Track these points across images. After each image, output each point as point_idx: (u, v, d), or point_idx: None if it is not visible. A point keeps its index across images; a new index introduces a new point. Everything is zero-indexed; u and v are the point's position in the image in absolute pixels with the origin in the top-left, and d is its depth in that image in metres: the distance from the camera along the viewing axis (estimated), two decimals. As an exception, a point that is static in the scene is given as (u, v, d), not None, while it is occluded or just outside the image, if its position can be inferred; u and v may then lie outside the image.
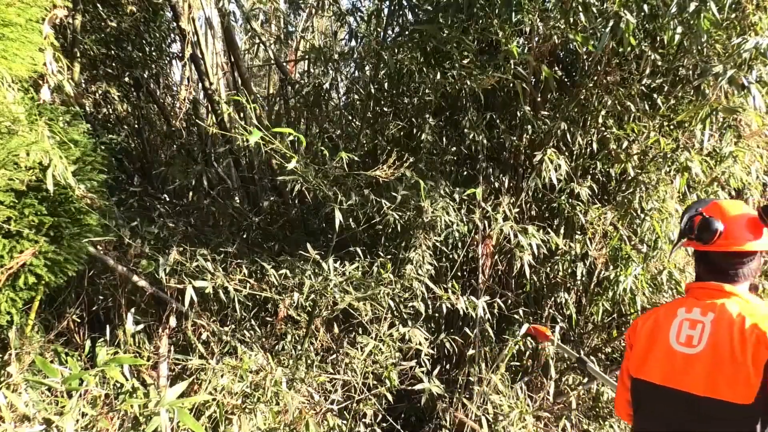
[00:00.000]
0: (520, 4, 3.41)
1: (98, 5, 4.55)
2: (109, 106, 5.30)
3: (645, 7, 3.26)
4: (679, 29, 3.23)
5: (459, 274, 3.93)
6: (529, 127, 3.85)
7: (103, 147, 3.24)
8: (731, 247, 1.67)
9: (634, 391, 1.81)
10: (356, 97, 4.83)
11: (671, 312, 1.74)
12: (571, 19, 3.38)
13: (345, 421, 3.36)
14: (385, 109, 4.29)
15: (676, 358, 1.66)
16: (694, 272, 1.84)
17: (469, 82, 3.61)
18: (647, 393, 1.74)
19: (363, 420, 3.46)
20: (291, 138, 3.00)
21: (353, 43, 4.89)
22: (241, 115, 3.44)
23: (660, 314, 1.78)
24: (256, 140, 2.67)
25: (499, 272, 4.08)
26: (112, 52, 4.93)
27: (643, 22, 3.48)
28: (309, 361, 3.46)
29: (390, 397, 3.45)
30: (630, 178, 3.75)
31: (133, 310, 3.38)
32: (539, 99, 4.05)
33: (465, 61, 3.66)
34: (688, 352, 1.63)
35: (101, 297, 3.68)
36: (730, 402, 1.53)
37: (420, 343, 3.51)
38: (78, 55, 4.22)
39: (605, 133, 3.85)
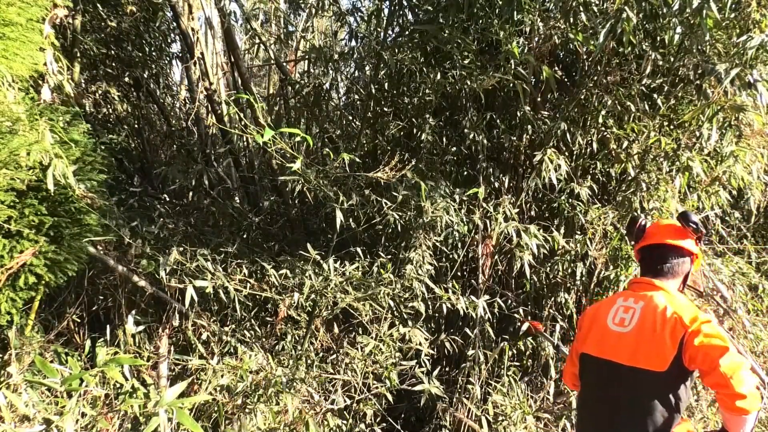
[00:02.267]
0: (520, 4, 3.40)
1: (98, 5, 4.55)
2: (109, 106, 5.30)
3: (646, 6, 3.25)
4: (680, 29, 3.23)
5: (459, 274, 3.93)
6: (529, 127, 3.85)
7: (103, 147, 3.24)
8: (656, 241, 2.12)
9: (580, 364, 2.20)
10: (356, 97, 4.83)
11: (612, 301, 2.15)
12: (572, 19, 3.38)
13: (345, 421, 3.36)
14: (386, 109, 4.29)
15: (611, 335, 2.05)
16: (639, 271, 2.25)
17: (469, 83, 3.61)
18: (587, 364, 2.15)
19: (363, 420, 3.46)
20: (293, 138, 2.99)
21: (353, 43, 4.90)
22: (242, 115, 3.44)
23: (603, 303, 2.20)
24: (266, 140, 2.66)
25: (499, 272, 4.08)
26: (112, 52, 4.93)
27: (643, 22, 3.48)
28: (309, 361, 3.46)
29: (390, 397, 3.44)
30: (630, 178, 3.75)
31: (134, 312, 3.37)
32: (539, 99, 4.04)
33: (465, 62, 3.66)
34: (620, 330, 2.03)
35: (101, 297, 3.67)
36: (646, 369, 1.91)
37: (420, 343, 3.50)
38: (78, 55, 4.22)
39: (605, 133, 3.84)
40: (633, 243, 2.24)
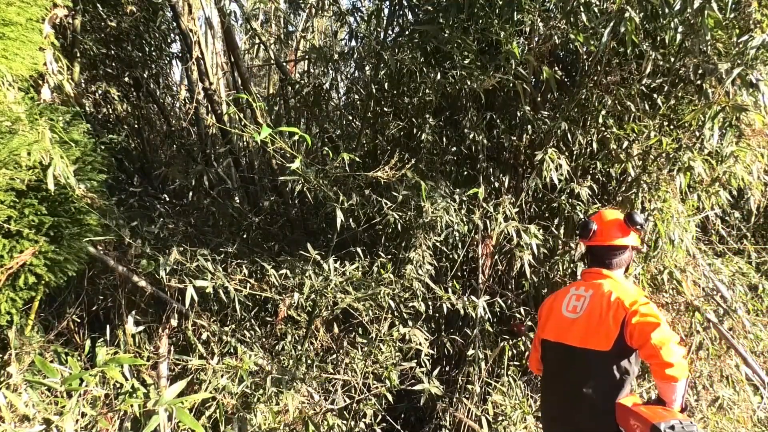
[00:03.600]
0: (520, 4, 3.40)
1: (98, 5, 4.55)
2: (109, 106, 5.30)
3: (646, 6, 3.24)
4: (680, 29, 3.22)
5: (459, 274, 3.93)
6: (530, 127, 3.85)
7: (103, 147, 3.23)
8: (603, 242, 2.37)
9: (541, 349, 2.48)
10: (356, 97, 4.83)
11: (566, 290, 2.44)
12: (572, 19, 3.38)
13: (345, 421, 3.36)
14: (386, 109, 4.29)
15: (564, 321, 2.34)
16: (587, 262, 2.52)
17: (469, 83, 3.61)
18: (547, 349, 2.44)
19: (363, 420, 3.46)
20: (293, 138, 2.99)
21: (353, 43, 4.89)
22: (242, 115, 3.43)
23: (560, 292, 2.49)
24: (263, 139, 2.66)
25: (499, 272, 4.08)
26: (112, 52, 4.93)
27: (643, 22, 3.47)
28: (309, 361, 3.46)
29: (390, 397, 3.44)
30: (631, 178, 3.75)
31: (134, 312, 3.37)
32: (539, 99, 4.04)
33: (465, 62, 3.65)
34: (572, 317, 2.31)
35: (101, 297, 3.67)
36: (594, 349, 2.19)
37: (420, 343, 3.50)
38: (78, 55, 4.22)
39: (605, 133, 3.84)
40: (582, 240, 2.48)
